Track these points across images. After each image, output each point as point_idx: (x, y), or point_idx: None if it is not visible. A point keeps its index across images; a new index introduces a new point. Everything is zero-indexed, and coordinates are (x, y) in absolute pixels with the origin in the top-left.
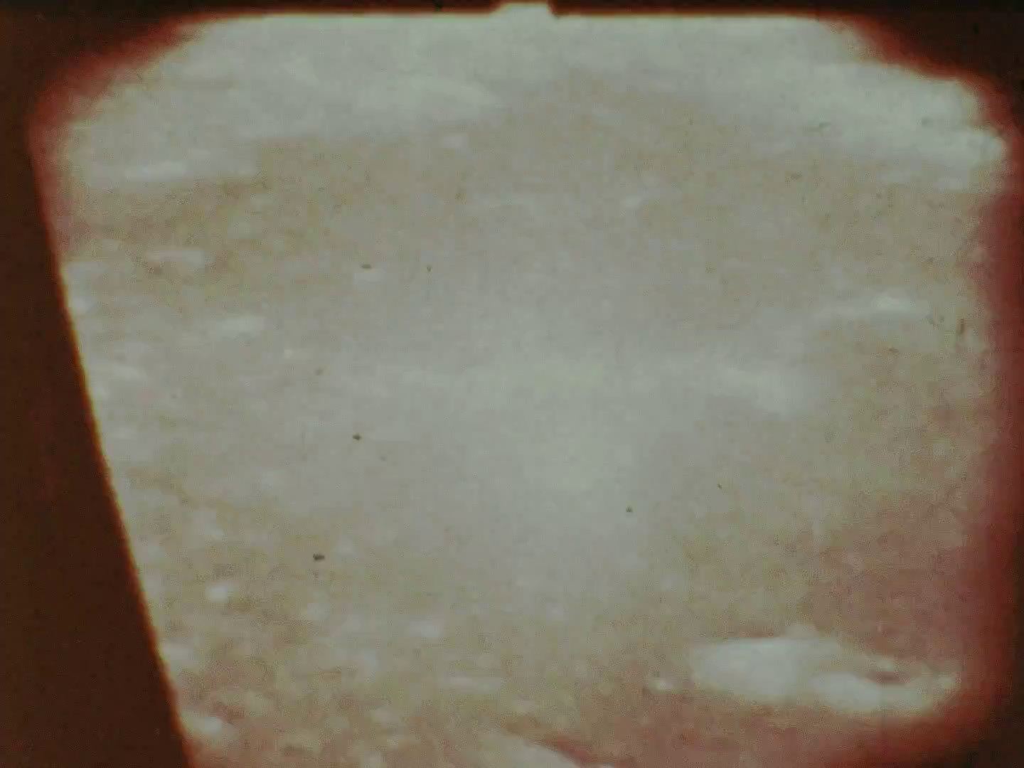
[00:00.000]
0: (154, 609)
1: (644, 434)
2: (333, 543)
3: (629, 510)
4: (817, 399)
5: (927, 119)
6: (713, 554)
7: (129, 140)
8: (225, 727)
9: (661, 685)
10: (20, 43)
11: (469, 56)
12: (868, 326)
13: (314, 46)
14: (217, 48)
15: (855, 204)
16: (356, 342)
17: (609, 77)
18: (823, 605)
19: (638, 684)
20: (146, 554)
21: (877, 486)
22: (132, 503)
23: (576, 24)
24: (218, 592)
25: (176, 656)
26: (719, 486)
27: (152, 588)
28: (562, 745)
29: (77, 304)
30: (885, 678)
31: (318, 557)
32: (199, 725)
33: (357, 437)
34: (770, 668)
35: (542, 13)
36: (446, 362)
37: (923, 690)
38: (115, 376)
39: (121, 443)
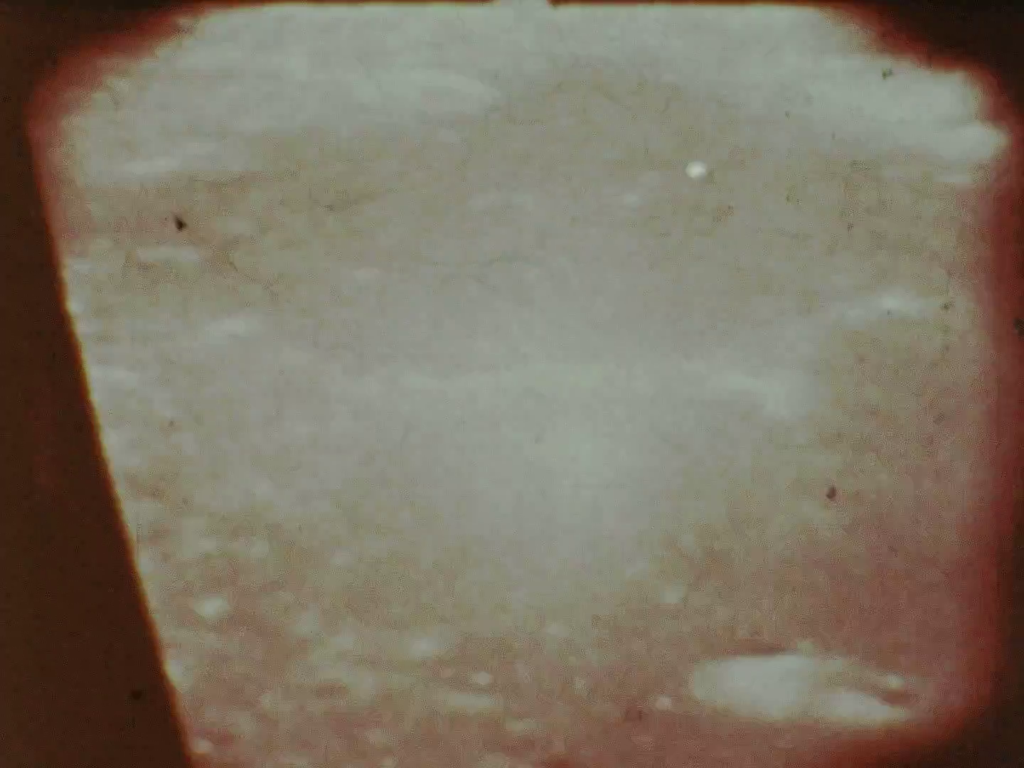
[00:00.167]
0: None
1: (646, 440)
2: (327, 554)
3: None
4: (823, 403)
5: (931, 113)
6: (716, 565)
7: (123, 134)
8: (216, 748)
9: (662, 703)
10: (12, 34)
11: (467, 48)
12: (875, 327)
13: (311, 38)
14: (213, 40)
15: (859, 200)
16: (352, 344)
17: (609, 69)
18: (829, 619)
19: (639, 702)
20: (137, 565)
21: (885, 493)
22: (122, 511)
23: (575, 14)
24: (209, 606)
25: (168, 673)
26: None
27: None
28: (561, 767)
29: (69, 304)
30: (892, 696)
31: None
32: (190, 746)
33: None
34: (774, 686)
35: (540, 2)
36: (444, 365)
37: (931, 709)
38: (106, 379)
39: (111, 449)
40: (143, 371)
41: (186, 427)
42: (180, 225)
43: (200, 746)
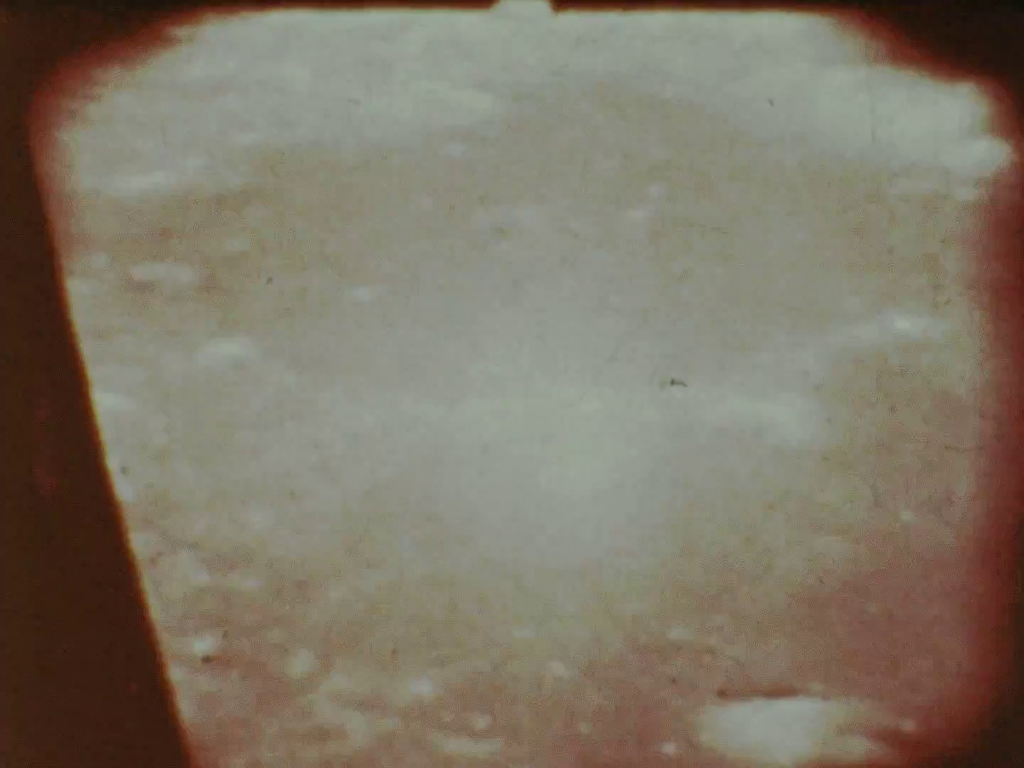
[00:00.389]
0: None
1: (651, 469)
2: (322, 589)
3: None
4: (832, 429)
5: (940, 126)
6: (723, 601)
7: (119, 148)
8: None
9: (668, 748)
10: (7, 46)
11: (468, 60)
12: (885, 348)
13: (311, 49)
14: (212, 50)
15: (866, 216)
16: (349, 368)
17: (613, 80)
18: (841, 659)
19: (644, 746)
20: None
21: (897, 525)
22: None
23: (578, 25)
24: (201, 644)
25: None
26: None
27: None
28: None
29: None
30: (906, 742)
31: None
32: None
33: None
34: (784, 730)
35: (542, 9)
36: (443, 390)
37: (944, 753)
38: (97, 403)
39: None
40: (135, 395)
41: (179, 454)
42: (167, 236)
43: None
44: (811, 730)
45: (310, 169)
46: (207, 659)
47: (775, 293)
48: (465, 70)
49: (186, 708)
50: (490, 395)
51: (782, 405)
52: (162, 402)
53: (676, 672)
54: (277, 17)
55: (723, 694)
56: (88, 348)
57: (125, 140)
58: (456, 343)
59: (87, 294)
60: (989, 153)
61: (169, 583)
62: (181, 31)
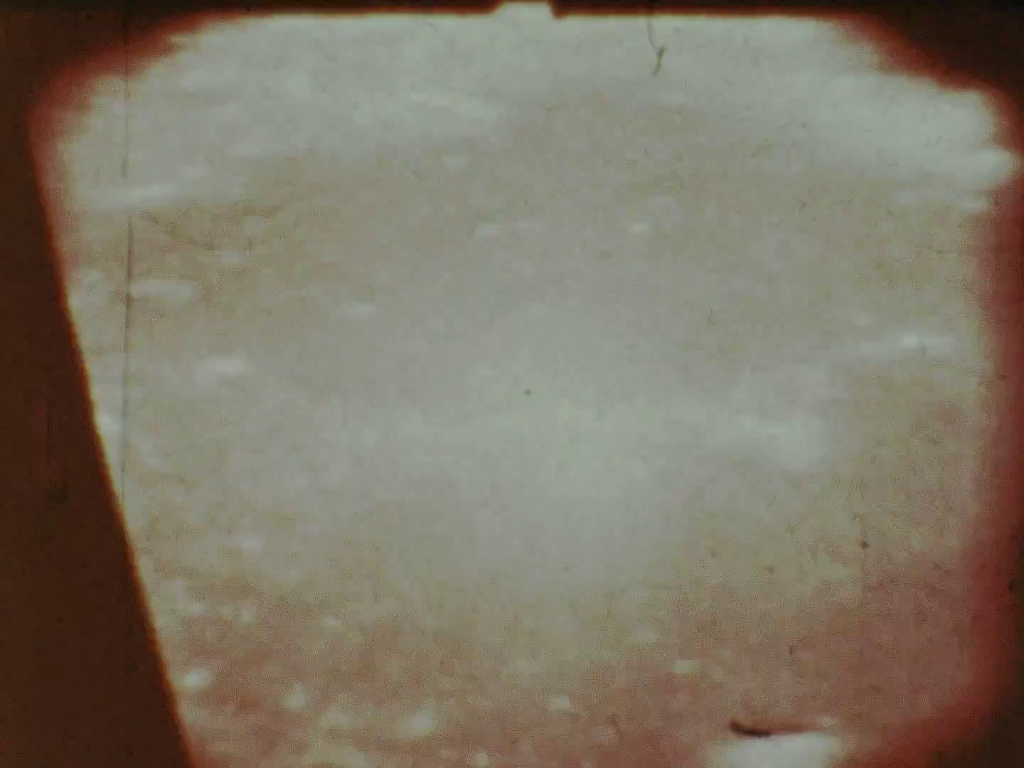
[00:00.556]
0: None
1: (657, 493)
2: (319, 620)
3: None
4: (842, 451)
5: (948, 135)
6: (731, 632)
7: (115, 159)
8: None
9: None
10: (3, 54)
11: (470, 67)
12: (893, 367)
13: (311, 57)
14: (211, 58)
15: (872, 228)
16: (348, 386)
17: (617, 88)
18: (853, 692)
19: None
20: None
21: (910, 552)
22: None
23: (581, 31)
24: (193, 678)
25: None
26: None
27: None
28: None
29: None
30: None
31: None
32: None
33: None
34: (794, 767)
35: (544, 14)
36: (443, 410)
37: None
38: None
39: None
40: (130, 416)
41: (172, 478)
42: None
43: None
44: (821, 767)
45: (309, 180)
46: (199, 692)
47: (781, 307)
48: (467, 78)
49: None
50: (492, 414)
51: (790, 426)
52: (156, 423)
53: (682, 707)
54: (277, 24)
55: (731, 729)
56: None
57: (121, 151)
58: (457, 360)
59: (83, 310)
60: (997, 164)
61: (161, 614)
62: (180, 38)
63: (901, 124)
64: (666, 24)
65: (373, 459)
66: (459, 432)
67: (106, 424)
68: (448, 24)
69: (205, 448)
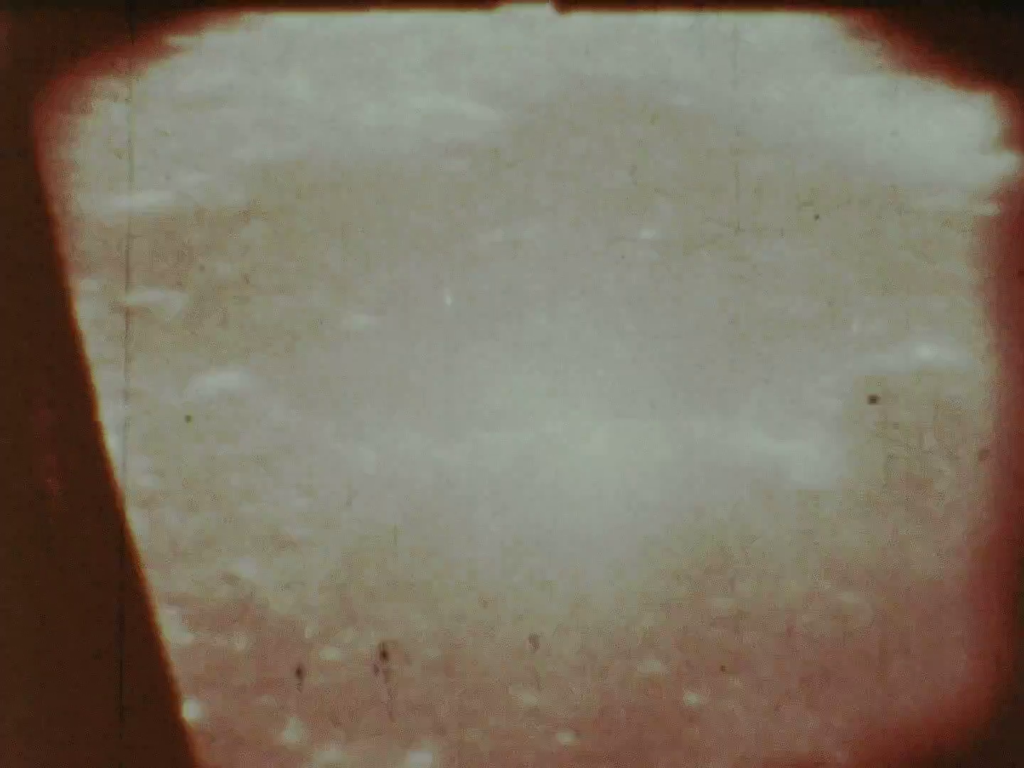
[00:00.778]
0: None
1: (663, 514)
2: (315, 650)
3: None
4: (856, 467)
5: (960, 137)
6: (742, 662)
7: (112, 164)
8: None
9: None
10: (2, 56)
11: (473, 68)
12: (907, 379)
13: (313, 58)
14: (211, 60)
15: (886, 235)
16: (347, 400)
17: (623, 89)
18: (866, 724)
19: None
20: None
21: (921, 575)
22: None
23: (586, 31)
24: (188, 711)
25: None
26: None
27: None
28: None
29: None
30: None
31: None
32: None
33: None
34: None
35: (547, 10)
36: (444, 426)
37: None
38: None
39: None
40: (123, 434)
41: (165, 500)
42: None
43: None
44: None
45: (309, 185)
46: (191, 726)
47: (791, 316)
48: (470, 80)
49: None
50: (494, 429)
51: (801, 441)
52: (149, 441)
53: (692, 741)
54: (278, 25)
55: (742, 765)
56: None
57: (118, 156)
58: (459, 372)
59: (78, 322)
60: (1011, 166)
61: (154, 644)
62: (179, 40)
63: (911, 126)
64: (671, 24)
65: (373, 479)
66: (462, 450)
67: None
68: (450, 24)
69: (199, 468)
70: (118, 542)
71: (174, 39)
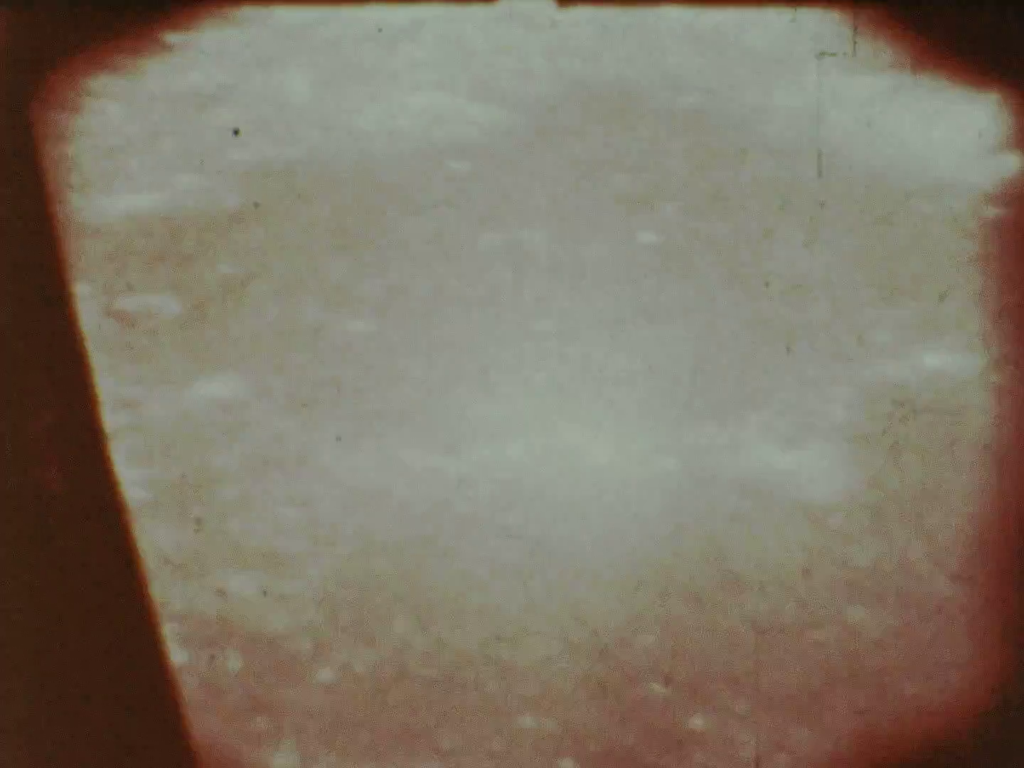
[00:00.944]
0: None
1: (666, 529)
2: (309, 669)
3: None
4: (861, 479)
5: (966, 138)
6: (748, 683)
7: (107, 165)
8: None
9: None
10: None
11: (473, 67)
12: (916, 388)
13: (311, 57)
14: (208, 59)
15: (890, 237)
16: (343, 410)
17: (625, 91)
18: (875, 750)
19: None
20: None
21: (933, 594)
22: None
23: (588, 30)
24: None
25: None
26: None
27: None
28: None
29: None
30: None
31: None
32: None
33: None
34: None
35: (548, 5)
36: (442, 436)
37: None
38: None
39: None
40: (114, 443)
41: (158, 511)
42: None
43: None
44: None
45: (305, 187)
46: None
47: (797, 324)
48: (470, 80)
49: None
50: (494, 441)
51: (808, 453)
52: (143, 451)
53: (698, 766)
54: (276, 23)
55: None
56: None
57: (113, 157)
58: (458, 381)
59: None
60: (1018, 168)
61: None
62: (177, 37)
63: (917, 127)
64: (673, 23)
65: (369, 491)
66: (460, 462)
67: None
68: (451, 22)
69: (192, 479)
70: (118, 543)
71: (171, 36)
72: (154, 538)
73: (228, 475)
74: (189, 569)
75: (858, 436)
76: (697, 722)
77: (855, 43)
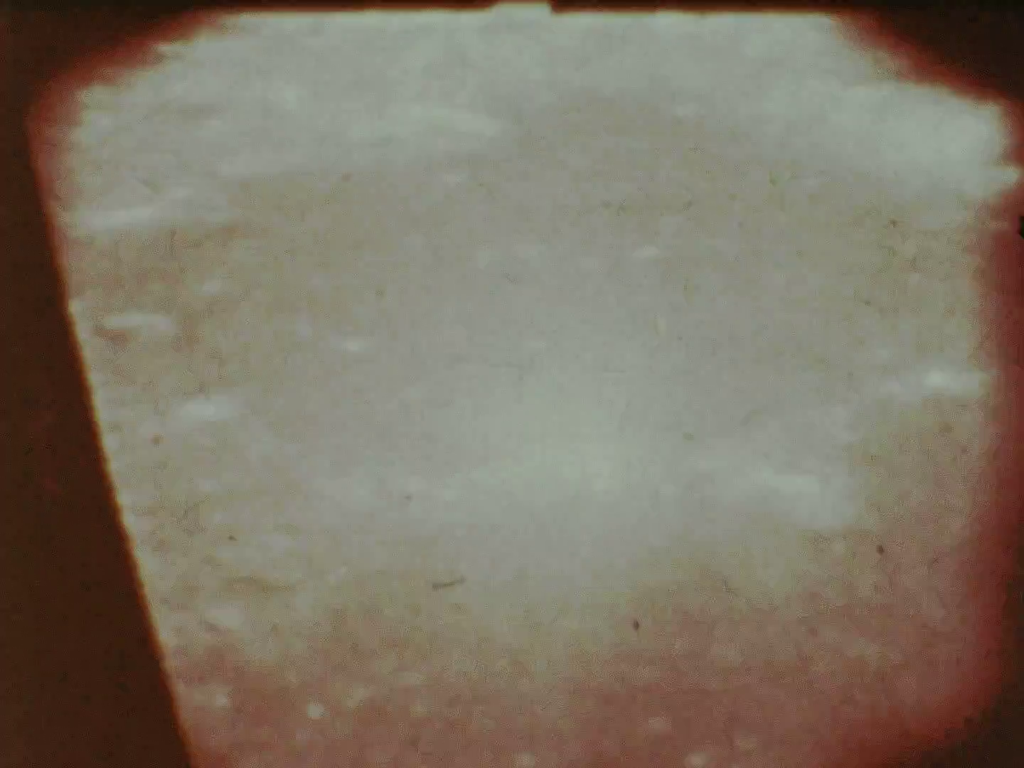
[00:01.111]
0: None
1: (667, 556)
2: (300, 707)
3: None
4: (863, 505)
5: (969, 150)
6: (751, 718)
7: (99, 180)
8: None
9: None
10: None
11: (470, 78)
12: (918, 409)
13: (304, 68)
14: (200, 69)
15: (894, 253)
16: (335, 433)
17: (623, 100)
18: None
19: None
20: None
21: (940, 623)
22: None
23: (584, 39)
24: None
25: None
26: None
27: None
28: None
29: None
30: None
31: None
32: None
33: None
34: None
35: (542, 11)
36: (438, 460)
37: None
38: None
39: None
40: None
41: (144, 540)
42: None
43: None
44: None
45: (299, 201)
46: None
47: (797, 341)
48: (466, 90)
49: None
50: (491, 464)
51: (809, 476)
52: (129, 476)
53: None
54: (270, 32)
55: None
56: None
57: (106, 170)
58: (453, 404)
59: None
60: (1019, 180)
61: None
62: (169, 48)
63: (918, 138)
64: (671, 32)
65: (363, 518)
66: (458, 486)
67: None
68: (447, 31)
69: (180, 505)
70: (118, 543)
71: (163, 46)
72: (139, 565)
73: (215, 502)
74: (174, 598)
75: (859, 458)
76: (698, 760)
77: (855, 53)
